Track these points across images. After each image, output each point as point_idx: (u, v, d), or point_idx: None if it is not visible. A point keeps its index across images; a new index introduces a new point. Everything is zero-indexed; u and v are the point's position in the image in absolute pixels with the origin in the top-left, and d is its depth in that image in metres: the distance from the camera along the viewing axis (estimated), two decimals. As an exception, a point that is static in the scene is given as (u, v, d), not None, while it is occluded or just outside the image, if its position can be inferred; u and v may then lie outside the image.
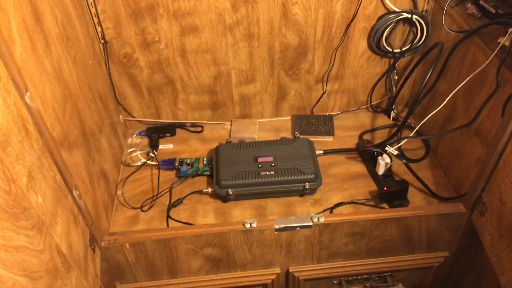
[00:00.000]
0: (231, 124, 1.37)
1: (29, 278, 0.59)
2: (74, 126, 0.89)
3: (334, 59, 1.26)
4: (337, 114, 1.40)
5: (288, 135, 1.34)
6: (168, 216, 1.11)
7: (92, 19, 1.09)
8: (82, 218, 0.84)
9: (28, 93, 0.67)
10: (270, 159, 1.16)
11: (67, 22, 0.91)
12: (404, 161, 1.14)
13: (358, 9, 1.15)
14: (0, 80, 0.60)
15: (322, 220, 0.98)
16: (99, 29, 1.11)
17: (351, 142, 1.31)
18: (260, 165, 1.14)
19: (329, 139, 1.32)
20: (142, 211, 1.12)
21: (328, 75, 1.29)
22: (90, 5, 1.07)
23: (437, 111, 1.08)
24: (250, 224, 0.97)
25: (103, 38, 1.13)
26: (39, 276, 0.62)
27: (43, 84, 0.76)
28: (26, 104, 0.66)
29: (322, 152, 1.25)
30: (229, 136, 1.33)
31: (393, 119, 1.36)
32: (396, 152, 1.12)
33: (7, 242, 0.55)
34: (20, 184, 0.60)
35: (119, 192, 1.17)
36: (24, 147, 0.63)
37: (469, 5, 1.07)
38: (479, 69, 0.96)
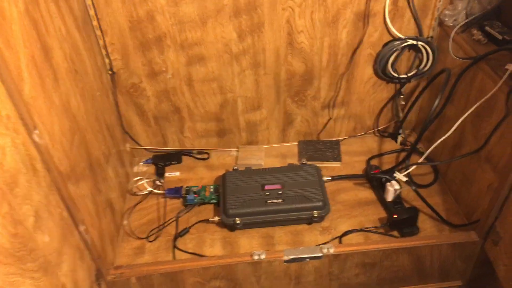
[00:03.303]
0: (237, 151, 1.37)
1: (34, 323, 0.58)
2: (81, 158, 0.90)
3: (340, 85, 1.26)
4: (344, 139, 1.39)
5: (295, 160, 1.33)
6: (175, 247, 1.10)
7: (100, 51, 1.10)
8: (88, 253, 0.83)
9: (36, 131, 0.67)
10: (278, 186, 1.15)
11: (76, 55, 0.92)
12: (414, 187, 1.12)
13: (364, 36, 1.16)
14: (9, 121, 0.60)
15: (332, 251, 0.96)
16: (107, 61, 1.12)
17: (359, 168, 1.30)
18: (267, 193, 1.13)
19: (336, 164, 1.31)
20: (148, 241, 1.11)
21: (334, 101, 1.29)
22: (98, 38, 1.08)
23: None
24: (259, 255, 0.96)
25: (111, 69, 1.14)
26: (45, 319, 0.62)
27: (51, 119, 0.76)
28: (34, 142, 0.66)
29: (330, 178, 1.24)
30: (236, 163, 1.33)
31: (400, 144, 1.36)
32: (405, 179, 1.11)
33: (13, 287, 0.54)
34: (27, 225, 0.60)
35: (125, 222, 1.16)
36: (31, 186, 0.63)
37: (475, 31, 1.07)
38: (488, 95, 0.96)
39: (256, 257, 0.96)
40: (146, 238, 1.12)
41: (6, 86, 0.61)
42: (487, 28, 1.05)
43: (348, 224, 1.13)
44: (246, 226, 1.11)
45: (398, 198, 1.14)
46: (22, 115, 0.64)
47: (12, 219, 0.56)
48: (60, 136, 0.79)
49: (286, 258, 0.97)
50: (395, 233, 1.09)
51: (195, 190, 1.21)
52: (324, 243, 1.05)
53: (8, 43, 0.65)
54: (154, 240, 1.11)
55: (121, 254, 1.07)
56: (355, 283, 1.06)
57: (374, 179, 1.21)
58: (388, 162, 1.30)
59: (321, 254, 0.97)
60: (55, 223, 0.69)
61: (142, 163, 1.33)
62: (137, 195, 1.24)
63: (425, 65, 1.21)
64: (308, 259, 0.97)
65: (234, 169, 1.23)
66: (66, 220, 0.74)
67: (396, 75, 1.23)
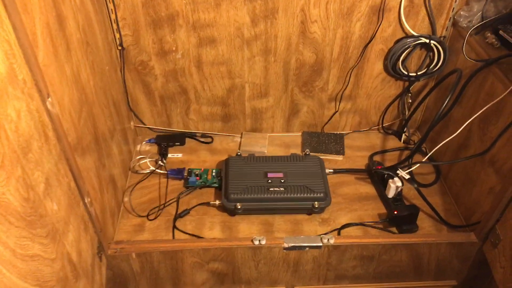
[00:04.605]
0: (241, 137, 1.37)
1: (41, 288, 0.58)
2: (88, 131, 0.89)
3: (349, 79, 1.26)
4: (348, 133, 1.39)
5: (297, 151, 1.33)
6: (175, 227, 1.10)
7: (111, 25, 1.09)
8: (91, 226, 0.83)
9: (50, 99, 0.66)
10: (280, 175, 1.15)
11: (88, 27, 0.91)
12: (416, 185, 1.13)
13: (377, 31, 1.15)
14: (25, 85, 0.60)
15: (332, 241, 0.97)
16: (117, 36, 1.11)
17: (361, 162, 1.30)
18: (269, 181, 1.13)
19: (339, 158, 1.32)
20: (148, 219, 1.11)
21: (341, 94, 1.29)
22: (110, 12, 1.07)
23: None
24: (259, 241, 0.96)
25: (121, 44, 1.13)
26: (51, 285, 0.61)
27: (62, 89, 0.76)
28: (47, 109, 0.66)
29: (332, 171, 1.24)
30: (239, 148, 1.33)
31: (404, 142, 1.36)
32: (407, 176, 1.12)
33: (24, 251, 0.54)
34: (38, 191, 0.59)
35: (126, 199, 1.16)
36: (43, 153, 0.63)
37: (489, 34, 1.07)
38: (497, 99, 0.96)
39: (256, 242, 0.96)
40: (146, 216, 1.12)
41: (24, 51, 0.61)
42: (501, 32, 1.05)
43: (348, 217, 1.14)
44: (246, 211, 1.11)
45: (399, 195, 1.15)
46: (37, 81, 0.64)
47: (24, 183, 0.56)
48: (69, 106, 0.78)
49: (286, 245, 0.97)
50: (394, 229, 1.10)
51: (197, 172, 1.21)
52: (324, 234, 1.05)
53: (25, 8, 0.64)
54: (154, 219, 1.12)
55: (121, 230, 1.07)
56: (352, 275, 1.07)
57: (376, 174, 1.21)
58: (390, 159, 1.31)
59: (320, 244, 0.97)
60: (63, 192, 0.69)
61: (145, 142, 1.33)
62: (139, 173, 1.23)
63: (436, 65, 1.21)
64: (307, 248, 0.98)
65: (237, 155, 1.23)
66: (73, 191, 0.74)
67: (405, 72, 1.23)
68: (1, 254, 0.49)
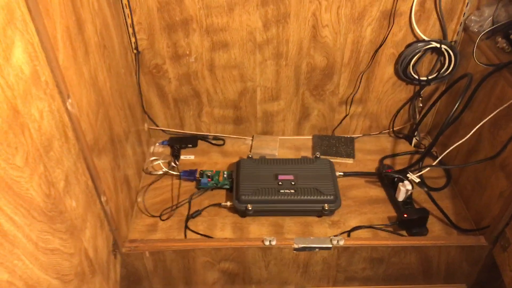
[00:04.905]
0: (252, 140, 1.38)
1: (61, 281, 0.61)
2: (104, 132, 0.91)
3: (360, 82, 1.27)
4: (358, 137, 1.40)
5: (308, 154, 1.35)
6: (186, 227, 1.12)
7: (127, 29, 1.12)
8: (107, 224, 0.86)
9: (70, 100, 0.69)
10: (291, 177, 1.16)
11: (105, 31, 0.94)
12: (426, 189, 1.13)
13: (388, 35, 1.16)
14: (47, 86, 0.62)
15: (342, 243, 0.98)
16: (133, 40, 1.14)
17: (371, 166, 1.31)
18: (280, 183, 1.15)
19: (349, 161, 1.33)
20: (161, 219, 1.14)
21: (352, 98, 1.30)
22: (126, 16, 1.10)
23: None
24: (270, 241, 0.98)
25: (136, 48, 1.16)
26: (69, 279, 0.64)
27: (80, 91, 0.78)
28: (67, 110, 0.68)
29: (342, 173, 1.25)
30: (250, 151, 1.35)
31: (414, 146, 1.36)
32: (418, 180, 1.12)
33: (45, 244, 0.56)
34: (58, 188, 0.62)
35: (139, 199, 1.18)
36: (63, 152, 0.65)
37: (500, 39, 1.08)
38: (508, 103, 0.96)
39: (267, 243, 0.97)
40: (159, 216, 1.14)
41: (46, 53, 0.63)
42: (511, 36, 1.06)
43: (358, 220, 1.14)
44: (257, 213, 1.13)
45: (409, 199, 1.16)
46: (58, 83, 0.66)
47: (46, 180, 0.58)
48: (87, 108, 0.81)
49: (296, 246, 0.98)
50: (404, 233, 1.10)
51: (209, 174, 1.23)
52: (333, 236, 1.06)
53: (47, 12, 0.66)
54: (167, 219, 1.14)
55: (134, 230, 1.10)
56: (361, 277, 1.07)
57: (386, 178, 1.22)
58: (401, 163, 1.31)
59: (330, 245, 0.98)
60: (81, 190, 0.72)
61: (158, 144, 1.36)
62: (152, 174, 1.26)
63: (447, 69, 1.22)
64: (317, 249, 0.99)
65: (248, 157, 1.24)
66: (90, 189, 0.76)
67: (416, 77, 1.24)
68: (25, 246, 0.51)
